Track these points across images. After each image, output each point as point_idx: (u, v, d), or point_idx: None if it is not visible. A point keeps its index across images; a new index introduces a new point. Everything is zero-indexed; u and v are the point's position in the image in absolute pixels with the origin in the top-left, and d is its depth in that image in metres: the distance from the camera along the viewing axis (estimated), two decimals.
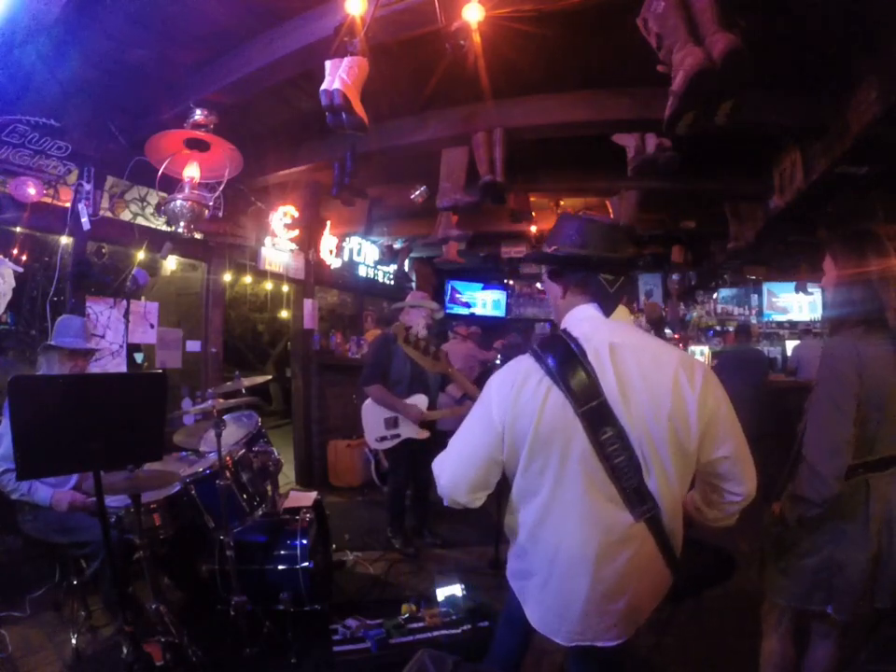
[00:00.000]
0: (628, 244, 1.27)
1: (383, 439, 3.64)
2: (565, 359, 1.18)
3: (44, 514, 2.45)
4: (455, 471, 1.28)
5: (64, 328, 2.72)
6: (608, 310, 1.27)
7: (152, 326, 3.93)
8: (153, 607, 2.20)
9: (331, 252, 5.81)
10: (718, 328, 8.20)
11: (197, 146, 2.98)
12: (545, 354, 1.20)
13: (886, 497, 1.54)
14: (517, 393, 1.19)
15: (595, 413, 1.14)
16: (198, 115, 3.03)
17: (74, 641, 2.44)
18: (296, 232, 5.12)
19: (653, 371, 1.18)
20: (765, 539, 1.77)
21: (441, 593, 2.79)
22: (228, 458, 2.54)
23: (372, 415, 3.65)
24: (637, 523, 1.18)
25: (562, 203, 5.48)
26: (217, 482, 2.39)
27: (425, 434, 3.53)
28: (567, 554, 1.21)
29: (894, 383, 1.51)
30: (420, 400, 3.58)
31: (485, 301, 9.11)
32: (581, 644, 1.25)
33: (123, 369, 3.64)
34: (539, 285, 8.93)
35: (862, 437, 1.52)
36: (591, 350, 1.18)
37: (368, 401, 3.67)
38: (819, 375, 1.61)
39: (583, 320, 1.27)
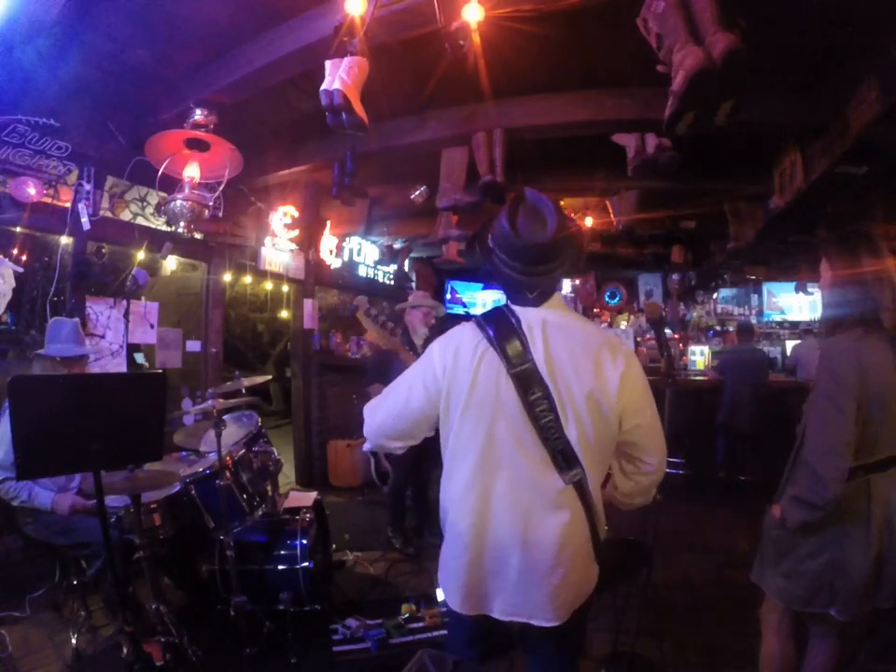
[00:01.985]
0: (557, 255, 1.28)
1: None
2: (501, 327, 1.29)
3: (44, 517, 2.45)
4: (387, 418, 1.39)
5: (55, 333, 2.62)
6: (523, 305, 1.33)
7: (152, 326, 3.93)
8: (153, 607, 2.20)
9: (331, 252, 5.81)
10: (718, 328, 8.20)
11: (197, 146, 2.98)
12: (486, 322, 1.31)
13: (886, 497, 1.54)
14: (456, 351, 1.30)
15: (525, 375, 1.24)
16: (198, 115, 3.03)
17: (74, 641, 2.44)
18: (296, 232, 5.11)
19: (579, 348, 1.28)
20: (765, 541, 1.76)
21: (441, 593, 2.78)
22: (228, 458, 2.54)
23: None
24: (566, 487, 1.24)
25: (562, 203, 5.47)
26: (217, 482, 2.39)
27: None
28: (498, 519, 1.26)
29: (894, 383, 1.51)
30: None
31: (485, 301, 9.11)
32: (516, 620, 1.29)
33: (123, 369, 3.64)
34: None
35: (864, 438, 1.52)
36: (525, 323, 1.29)
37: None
38: (818, 377, 1.60)
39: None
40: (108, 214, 3.58)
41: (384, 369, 3.65)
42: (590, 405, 1.25)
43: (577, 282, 8.55)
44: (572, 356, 1.27)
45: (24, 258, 3.13)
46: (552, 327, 1.29)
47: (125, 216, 3.71)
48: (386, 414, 1.39)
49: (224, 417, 2.73)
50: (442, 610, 2.69)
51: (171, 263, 4.24)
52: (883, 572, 1.55)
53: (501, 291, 1.39)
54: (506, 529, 1.25)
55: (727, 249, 5.21)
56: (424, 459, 3.50)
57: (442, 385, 1.29)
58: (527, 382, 1.23)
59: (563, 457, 1.24)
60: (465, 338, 1.32)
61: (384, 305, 7.48)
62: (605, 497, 1.38)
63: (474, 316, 1.35)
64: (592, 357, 1.27)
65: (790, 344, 7.27)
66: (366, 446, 1.47)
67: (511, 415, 1.25)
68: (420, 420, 1.36)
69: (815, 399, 1.59)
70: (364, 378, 3.75)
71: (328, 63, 2.41)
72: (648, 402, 1.34)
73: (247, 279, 4.86)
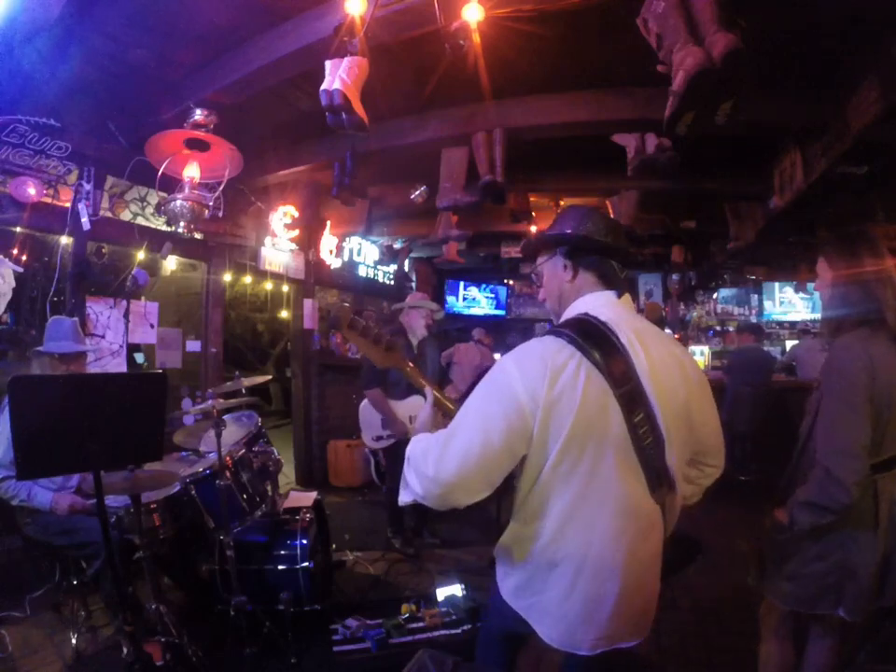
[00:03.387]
0: (626, 237, 1.34)
1: (379, 438, 3.65)
2: (602, 344, 1.14)
3: (43, 517, 2.44)
4: (463, 466, 1.10)
5: (54, 331, 2.63)
6: (621, 295, 1.29)
7: (152, 326, 3.94)
8: (153, 607, 2.19)
9: (331, 252, 5.81)
10: (718, 328, 8.22)
11: (197, 146, 2.98)
12: (577, 335, 1.14)
13: (892, 496, 1.53)
14: (554, 375, 1.10)
15: (631, 396, 1.13)
16: (198, 115, 3.04)
17: (74, 641, 2.44)
18: (296, 232, 5.12)
19: (666, 354, 1.22)
20: (767, 544, 1.74)
21: (441, 593, 2.79)
22: (228, 458, 2.53)
23: (370, 415, 3.67)
24: (656, 506, 1.18)
25: (562, 202, 5.47)
26: (217, 482, 2.39)
27: None
28: (599, 551, 1.15)
29: None
30: (417, 402, 3.59)
31: (485, 301, 9.12)
32: (605, 650, 1.18)
33: (123, 369, 3.64)
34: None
35: (872, 438, 1.49)
36: (622, 334, 1.17)
37: (365, 401, 3.69)
38: (828, 378, 1.58)
39: (604, 306, 1.24)
40: (108, 214, 3.59)
41: (380, 370, 3.64)
42: (684, 416, 1.20)
43: None
44: (665, 364, 1.20)
45: (24, 258, 3.13)
46: (644, 335, 1.20)
47: (125, 216, 3.72)
48: (461, 462, 1.10)
49: (224, 417, 2.73)
50: (442, 610, 2.69)
51: (171, 263, 4.24)
52: (888, 571, 1.54)
53: (596, 286, 1.28)
54: (608, 560, 1.15)
55: (727, 249, 5.21)
56: None
57: (534, 415, 1.09)
58: (633, 402, 1.13)
59: (656, 476, 1.16)
60: (555, 357, 1.12)
61: (383, 305, 7.48)
62: None
63: (562, 331, 1.17)
64: (677, 361, 1.22)
65: (790, 344, 7.28)
66: (402, 498, 1.24)
67: (616, 442, 1.13)
68: (506, 461, 1.14)
69: (825, 402, 1.55)
70: (360, 380, 3.74)
71: (328, 63, 2.41)
72: (712, 399, 1.29)
73: (247, 279, 4.87)
